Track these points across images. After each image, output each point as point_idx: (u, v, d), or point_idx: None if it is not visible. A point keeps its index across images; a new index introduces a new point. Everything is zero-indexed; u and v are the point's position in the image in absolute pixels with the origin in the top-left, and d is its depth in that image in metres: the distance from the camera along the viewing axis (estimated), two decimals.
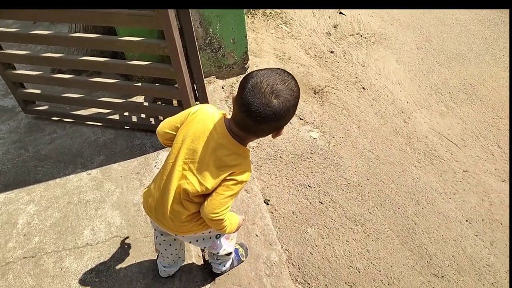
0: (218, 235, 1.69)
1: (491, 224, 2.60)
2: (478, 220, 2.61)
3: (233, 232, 1.58)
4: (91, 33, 2.86)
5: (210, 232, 1.64)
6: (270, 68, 1.24)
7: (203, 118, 1.38)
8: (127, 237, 2.23)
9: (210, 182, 1.33)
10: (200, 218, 1.45)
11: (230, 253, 1.84)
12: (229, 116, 1.37)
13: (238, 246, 2.10)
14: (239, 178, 1.32)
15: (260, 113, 1.17)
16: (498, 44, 4.33)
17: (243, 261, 2.09)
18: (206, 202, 1.35)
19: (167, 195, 1.42)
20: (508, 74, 3.94)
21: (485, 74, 3.92)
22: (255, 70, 1.24)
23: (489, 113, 3.47)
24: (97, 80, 2.71)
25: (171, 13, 2.07)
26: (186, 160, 1.37)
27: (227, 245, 1.76)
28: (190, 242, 1.70)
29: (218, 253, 1.76)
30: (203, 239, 1.65)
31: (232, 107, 3.10)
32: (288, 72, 1.25)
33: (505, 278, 2.31)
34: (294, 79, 1.24)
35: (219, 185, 1.34)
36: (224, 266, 1.96)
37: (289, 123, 1.32)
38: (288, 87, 1.20)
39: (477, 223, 2.59)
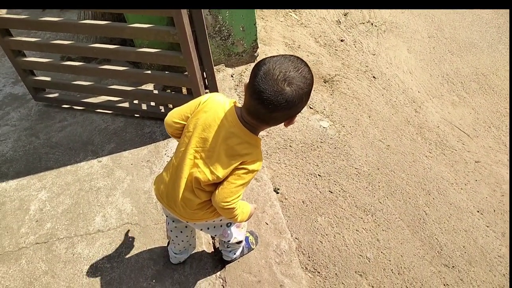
0: (229, 224, 1.69)
1: (503, 215, 2.58)
2: (489, 211, 2.58)
3: (245, 221, 1.57)
4: (100, 20, 2.84)
5: (221, 220, 1.64)
6: (283, 55, 1.21)
7: (214, 107, 1.36)
8: (138, 224, 2.24)
9: (221, 171, 1.32)
10: (211, 206, 1.45)
11: (240, 241, 1.84)
12: (240, 105, 1.36)
13: (248, 234, 2.10)
14: (250, 167, 1.31)
15: (272, 101, 1.14)
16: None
17: (253, 249, 2.10)
18: (217, 191, 1.34)
19: (179, 183, 1.42)
20: None
21: (497, 64, 3.86)
22: (268, 57, 1.21)
23: (502, 103, 3.42)
24: (106, 67, 2.70)
25: None
26: (198, 149, 1.37)
27: (237, 234, 1.76)
28: (201, 230, 1.70)
29: (229, 241, 1.76)
30: (214, 227, 1.65)
31: (242, 96, 3.09)
32: (301, 59, 1.22)
33: None
34: (308, 66, 1.21)
35: (230, 174, 1.33)
36: (235, 254, 1.96)
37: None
38: (302, 74, 1.17)
39: (488, 214, 2.57)
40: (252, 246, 2.08)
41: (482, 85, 3.58)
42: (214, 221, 1.62)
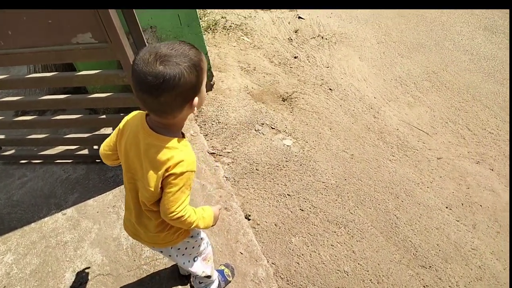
0: (195, 257, 1.69)
1: (471, 207, 2.64)
2: (458, 205, 2.64)
3: (213, 225, 1.52)
4: (51, 70, 2.81)
5: (186, 249, 1.63)
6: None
7: (130, 125, 1.36)
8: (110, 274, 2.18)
9: (152, 184, 1.28)
10: (170, 226, 1.44)
11: (209, 276, 1.82)
12: None
13: (223, 267, 2.08)
14: (178, 170, 1.25)
15: (149, 84, 1.09)
16: (455, 29, 4.44)
17: (230, 281, 2.07)
18: (160, 206, 1.33)
19: (132, 211, 1.44)
20: (468, 57, 4.04)
21: (446, 60, 4.00)
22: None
23: (455, 97, 3.54)
24: (61, 118, 2.65)
25: (126, 42, 2.05)
26: (131, 173, 1.37)
27: (204, 267, 1.75)
28: (170, 257, 1.68)
29: (197, 274, 1.74)
30: (183, 254, 1.64)
31: (203, 127, 3.09)
32: (182, 41, 1.18)
33: (490, 259, 2.34)
34: (190, 45, 1.17)
35: (163, 184, 1.29)
36: (213, 275, 1.93)
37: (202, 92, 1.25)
38: (177, 52, 1.12)
39: (457, 208, 2.62)
40: (228, 278, 2.06)
41: (434, 82, 3.70)
42: (179, 249, 1.61)
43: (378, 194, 2.67)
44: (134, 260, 2.21)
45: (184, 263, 1.68)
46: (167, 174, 1.26)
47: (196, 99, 1.20)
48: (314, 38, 4.36)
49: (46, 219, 2.57)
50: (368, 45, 4.23)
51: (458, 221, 2.54)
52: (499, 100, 3.50)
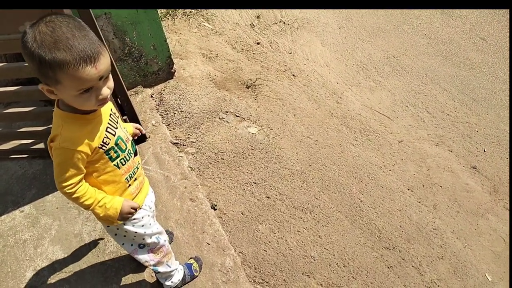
0: (142, 245, 1.66)
1: (432, 188, 2.72)
2: (419, 187, 2.72)
3: (120, 220, 1.46)
4: (1, 61, 2.64)
5: (125, 236, 1.60)
6: None
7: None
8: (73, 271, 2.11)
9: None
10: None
11: (162, 272, 1.82)
12: None
13: (192, 261, 2.05)
14: (53, 144, 1.26)
15: None
16: (414, 13, 4.52)
17: (196, 276, 2.04)
18: None
19: None
20: (426, 41, 4.13)
21: (405, 44, 4.08)
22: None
23: (415, 81, 3.61)
24: (13, 111, 2.51)
25: None
26: None
27: (149, 257, 1.71)
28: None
29: (148, 264, 1.73)
30: (124, 236, 1.60)
31: (164, 116, 3.02)
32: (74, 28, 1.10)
33: (451, 238, 2.42)
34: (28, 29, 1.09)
35: None
36: (168, 281, 1.90)
37: None
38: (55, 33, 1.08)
39: (418, 190, 2.70)
40: (195, 273, 2.03)
41: (394, 67, 3.76)
42: (116, 234, 1.59)
43: (343, 179, 2.70)
44: (98, 256, 2.15)
45: (123, 244, 1.64)
46: (49, 145, 1.28)
47: (45, 87, 1.16)
48: (276, 23, 4.32)
49: (2, 217, 2.45)
50: (330, 30, 4.24)
51: (419, 202, 2.62)
52: (457, 82, 3.60)
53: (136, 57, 3.01)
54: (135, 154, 1.52)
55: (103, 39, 2.18)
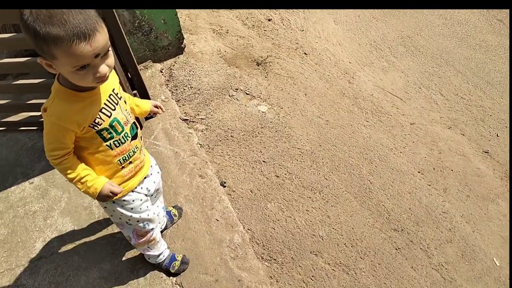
0: (127, 222, 1.65)
1: (442, 172, 2.69)
2: (429, 170, 2.69)
3: (96, 199, 1.42)
4: (10, 31, 2.61)
5: (112, 213, 1.61)
6: None
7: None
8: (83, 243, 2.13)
9: None
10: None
11: (151, 254, 1.85)
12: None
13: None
14: (43, 114, 1.27)
15: None
16: None
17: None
18: None
19: None
20: (442, 21, 4.03)
21: (420, 24, 3.98)
22: None
23: (429, 62, 3.54)
24: (23, 82, 2.50)
25: None
26: None
27: (133, 236, 1.72)
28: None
29: (130, 241, 1.75)
30: (109, 212, 1.61)
31: (174, 91, 2.99)
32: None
33: (460, 222, 2.41)
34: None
35: None
36: (146, 256, 1.91)
37: None
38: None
39: (429, 173, 2.67)
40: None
41: (408, 47, 3.69)
42: (106, 207, 1.59)
43: (353, 160, 2.68)
44: (107, 229, 2.16)
45: (111, 216, 1.64)
46: (42, 114, 1.28)
47: (43, 61, 1.13)
48: None
49: (12, 188, 2.47)
50: None
51: (429, 185, 2.59)
52: (472, 65, 3.53)
53: (146, 31, 2.96)
54: (134, 138, 1.48)
55: (114, 10, 2.13)
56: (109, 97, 1.35)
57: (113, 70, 1.43)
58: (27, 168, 2.56)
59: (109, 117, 1.34)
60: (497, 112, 3.13)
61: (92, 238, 2.14)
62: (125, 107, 1.45)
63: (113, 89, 1.38)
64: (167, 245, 1.97)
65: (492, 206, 2.54)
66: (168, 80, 3.10)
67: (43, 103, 2.53)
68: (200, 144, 2.65)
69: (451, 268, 2.21)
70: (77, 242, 2.14)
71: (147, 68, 3.15)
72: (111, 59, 1.19)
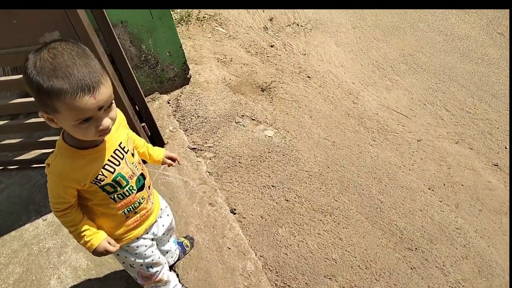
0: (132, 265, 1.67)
1: (453, 187, 2.68)
2: (440, 186, 2.68)
3: (92, 252, 1.43)
4: (21, 72, 2.70)
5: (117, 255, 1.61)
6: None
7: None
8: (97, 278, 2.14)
9: None
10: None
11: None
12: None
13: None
14: (46, 169, 1.28)
15: None
16: (429, 10, 4.46)
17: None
18: None
19: None
20: (442, 38, 4.07)
21: (421, 42, 4.03)
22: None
23: (432, 79, 3.57)
24: (34, 121, 2.57)
25: (95, 39, 1.98)
26: None
27: (139, 276, 1.72)
28: None
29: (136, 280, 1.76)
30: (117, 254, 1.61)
31: (181, 121, 3.04)
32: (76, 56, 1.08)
33: (475, 237, 2.38)
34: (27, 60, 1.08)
35: None
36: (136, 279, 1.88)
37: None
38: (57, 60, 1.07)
39: (439, 189, 2.66)
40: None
41: (410, 65, 3.72)
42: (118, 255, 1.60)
43: (362, 180, 2.68)
44: (119, 263, 2.17)
45: (116, 258, 1.64)
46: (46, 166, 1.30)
47: (44, 115, 1.13)
48: (289, 25, 4.32)
49: (26, 226, 2.50)
50: (344, 30, 4.21)
51: (441, 201, 2.58)
52: (475, 79, 3.55)
53: (153, 64, 3.04)
54: (140, 189, 1.46)
55: (121, 47, 2.21)
56: (114, 152, 1.34)
57: (123, 122, 1.45)
58: (39, 205, 2.61)
59: (113, 173, 1.33)
60: (503, 124, 3.13)
61: (106, 272, 2.15)
62: (132, 160, 1.42)
63: (120, 143, 1.37)
64: (180, 276, 1.97)
65: (506, 219, 2.51)
66: (175, 111, 3.16)
67: (54, 141, 2.59)
68: (209, 172, 2.67)
69: (469, 285, 2.17)
70: (91, 278, 2.15)
71: (154, 100, 3.21)
72: (114, 111, 1.19)
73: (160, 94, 3.27)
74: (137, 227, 1.53)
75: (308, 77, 3.60)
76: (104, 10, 2.01)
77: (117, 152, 1.35)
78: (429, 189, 2.65)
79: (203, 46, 3.96)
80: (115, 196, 1.38)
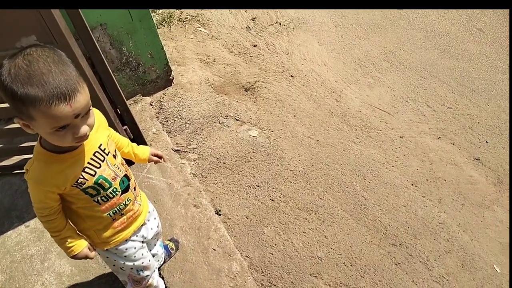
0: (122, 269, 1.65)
1: (436, 183, 2.71)
2: (423, 182, 2.71)
3: (71, 257, 1.43)
4: None
5: (107, 259, 1.61)
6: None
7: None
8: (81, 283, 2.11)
9: None
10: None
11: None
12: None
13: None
14: (25, 175, 1.28)
15: None
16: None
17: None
18: None
19: None
20: (423, 34, 4.12)
21: (402, 39, 4.07)
22: None
23: (413, 75, 3.60)
24: (14, 126, 2.53)
25: (73, 42, 1.96)
26: None
27: (128, 281, 1.72)
28: None
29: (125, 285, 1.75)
30: (102, 257, 1.63)
31: (165, 123, 3.02)
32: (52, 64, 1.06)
33: (458, 231, 2.41)
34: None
35: None
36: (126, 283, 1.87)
37: None
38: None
39: (422, 185, 2.69)
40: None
41: (392, 62, 3.75)
42: (99, 253, 1.59)
43: (346, 177, 2.70)
44: (105, 267, 2.15)
45: (106, 260, 1.63)
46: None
47: (20, 121, 1.10)
48: (272, 25, 4.32)
49: (8, 233, 2.46)
50: (326, 29, 4.23)
51: (424, 197, 2.61)
52: (456, 75, 3.59)
53: (134, 66, 3.02)
54: (125, 191, 1.44)
55: (100, 50, 2.18)
56: (94, 154, 1.32)
57: (102, 124, 1.43)
58: (22, 212, 2.56)
59: (94, 175, 1.31)
60: (484, 119, 3.18)
61: (91, 277, 2.13)
62: (114, 162, 1.40)
63: (100, 145, 1.35)
64: (165, 279, 1.96)
65: (488, 213, 2.55)
66: (158, 113, 3.13)
67: (34, 146, 2.55)
68: (193, 173, 2.66)
69: (452, 279, 2.20)
70: (76, 283, 2.13)
71: (137, 102, 3.18)
72: (92, 118, 1.17)
73: (142, 96, 3.25)
74: (124, 229, 1.52)
75: (292, 76, 3.61)
76: (81, 12, 1.98)
77: (97, 154, 1.33)
78: (412, 184, 2.68)
79: (185, 47, 3.94)
80: (99, 198, 1.36)
